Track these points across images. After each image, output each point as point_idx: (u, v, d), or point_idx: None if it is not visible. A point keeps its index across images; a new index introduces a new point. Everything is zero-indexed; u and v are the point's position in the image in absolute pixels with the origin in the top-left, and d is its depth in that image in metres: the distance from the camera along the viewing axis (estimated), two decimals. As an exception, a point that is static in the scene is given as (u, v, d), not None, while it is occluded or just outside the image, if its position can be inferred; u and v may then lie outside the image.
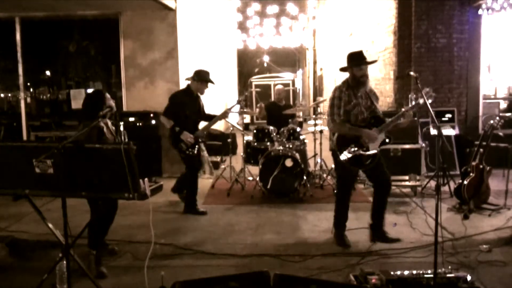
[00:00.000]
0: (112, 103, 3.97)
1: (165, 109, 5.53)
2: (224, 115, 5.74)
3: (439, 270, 3.21)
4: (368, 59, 4.37)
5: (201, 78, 5.52)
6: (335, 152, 4.23)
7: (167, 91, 7.94)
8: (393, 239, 4.37)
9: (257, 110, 7.29)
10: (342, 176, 4.46)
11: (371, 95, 4.31)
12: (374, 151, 4.16)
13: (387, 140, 4.24)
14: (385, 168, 4.36)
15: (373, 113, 4.25)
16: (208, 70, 5.68)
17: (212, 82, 5.63)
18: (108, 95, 4.04)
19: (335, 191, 4.53)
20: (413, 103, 4.20)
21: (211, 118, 5.74)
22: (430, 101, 3.83)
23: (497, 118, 5.52)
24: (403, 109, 4.19)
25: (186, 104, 5.49)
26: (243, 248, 4.42)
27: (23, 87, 8.40)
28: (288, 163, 6.06)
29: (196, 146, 5.54)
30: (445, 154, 6.50)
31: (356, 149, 4.12)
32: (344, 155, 4.12)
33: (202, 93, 5.63)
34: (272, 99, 17.10)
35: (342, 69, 4.41)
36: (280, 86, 7.78)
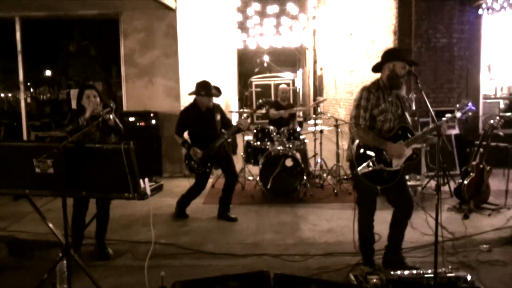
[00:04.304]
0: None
1: (175, 127, 5.35)
2: (239, 127, 5.32)
3: (439, 270, 3.21)
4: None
5: (201, 92, 5.18)
6: (353, 163, 3.64)
7: (168, 91, 7.97)
8: (410, 267, 3.69)
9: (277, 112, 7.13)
10: (361, 191, 3.85)
11: (402, 101, 3.67)
12: (397, 168, 3.57)
13: (414, 156, 3.60)
14: (408, 188, 3.86)
15: (402, 123, 3.64)
16: (209, 80, 5.36)
17: (211, 94, 5.21)
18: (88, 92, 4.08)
19: (356, 205, 3.91)
20: (446, 116, 3.59)
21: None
22: (461, 114, 3.55)
23: (497, 117, 5.51)
24: (432, 125, 3.51)
25: (194, 119, 5.23)
26: (243, 248, 4.42)
27: (23, 87, 8.40)
28: (288, 163, 6.06)
29: (208, 163, 5.24)
30: (445, 154, 6.51)
31: (376, 163, 3.53)
32: (362, 169, 3.53)
33: (207, 106, 5.25)
34: (272, 98, 17.21)
35: (376, 68, 3.75)
36: (284, 86, 7.77)
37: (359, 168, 3.53)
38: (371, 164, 3.52)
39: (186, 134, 5.42)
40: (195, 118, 5.25)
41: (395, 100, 3.65)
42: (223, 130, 5.39)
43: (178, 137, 5.33)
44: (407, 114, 3.65)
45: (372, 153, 3.54)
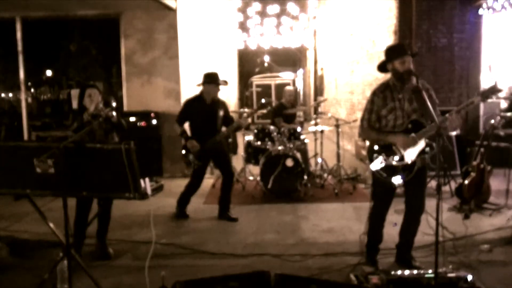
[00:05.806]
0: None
1: (177, 115, 5.37)
2: (239, 124, 5.34)
3: (440, 270, 3.21)
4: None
5: (208, 80, 5.25)
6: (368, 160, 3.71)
7: (168, 91, 7.97)
8: (417, 267, 3.72)
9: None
10: (376, 188, 3.88)
11: (420, 94, 3.52)
12: (410, 161, 3.57)
13: (427, 149, 3.56)
14: (424, 190, 3.81)
15: (414, 117, 3.62)
16: (216, 71, 5.42)
17: (219, 83, 5.30)
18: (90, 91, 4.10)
19: (371, 204, 3.94)
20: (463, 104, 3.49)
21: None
22: (493, 98, 3.45)
23: (498, 117, 5.52)
24: (447, 114, 3.42)
25: (197, 111, 5.23)
26: (244, 248, 4.43)
27: (24, 87, 8.40)
28: (289, 163, 6.06)
29: (204, 158, 5.25)
30: (446, 153, 6.50)
31: (387, 157, 3.58)
32: (375, 165, 3.61)
33: (213, 96, 5.28)
34: (273, 97, 17.20)
35: (380, 68, 3.81)
36: (290, 88, 7.80)
37: (372, 164, 3.64)
38: (382, 159, 3.60)
39: (186, 126, 5.39)
40: (199, 110, 5.25)
41: (409, 96, 3.63)
42: (223, 128, 5.39)
43: (178, 126, 5.33)
44: (429, 105, 3.36)
45: (382, 149, 3.62)
